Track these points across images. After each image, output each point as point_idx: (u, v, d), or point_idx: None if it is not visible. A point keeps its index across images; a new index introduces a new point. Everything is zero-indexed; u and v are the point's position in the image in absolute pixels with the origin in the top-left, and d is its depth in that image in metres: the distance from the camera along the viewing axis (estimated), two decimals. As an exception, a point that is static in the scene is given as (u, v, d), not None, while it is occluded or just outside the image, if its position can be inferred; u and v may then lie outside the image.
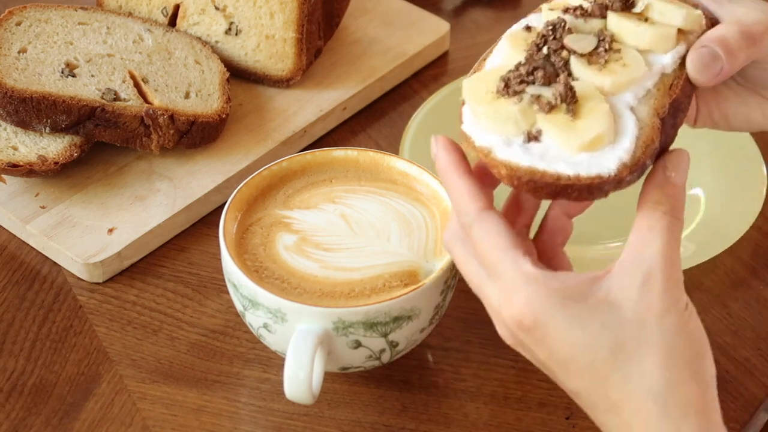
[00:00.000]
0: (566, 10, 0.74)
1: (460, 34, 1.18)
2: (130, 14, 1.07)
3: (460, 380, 0.87)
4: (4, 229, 0.97)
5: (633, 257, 0.68)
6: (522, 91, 0.70)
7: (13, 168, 0.95)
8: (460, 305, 0.89)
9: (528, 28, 0.75)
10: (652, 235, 0.68)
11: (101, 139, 0.98)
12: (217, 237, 0.84)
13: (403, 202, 0.87)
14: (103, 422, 0.84)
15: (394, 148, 1.03)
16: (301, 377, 0.77)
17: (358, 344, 0.80)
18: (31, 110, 0.95)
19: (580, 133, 0.68)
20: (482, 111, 0.70)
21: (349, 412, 0.85)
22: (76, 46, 1.01)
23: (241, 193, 0.86)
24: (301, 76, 1.07)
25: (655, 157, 0.70)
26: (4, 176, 0.98)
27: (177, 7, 1.08)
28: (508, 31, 0.76)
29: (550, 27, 0.73)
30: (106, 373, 0.87)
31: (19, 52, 0.99)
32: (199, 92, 1.02)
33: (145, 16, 1.08)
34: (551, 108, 0.69)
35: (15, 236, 0.97)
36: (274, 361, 0.88)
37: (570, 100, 0.69)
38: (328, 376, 0.86)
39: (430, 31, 1.15)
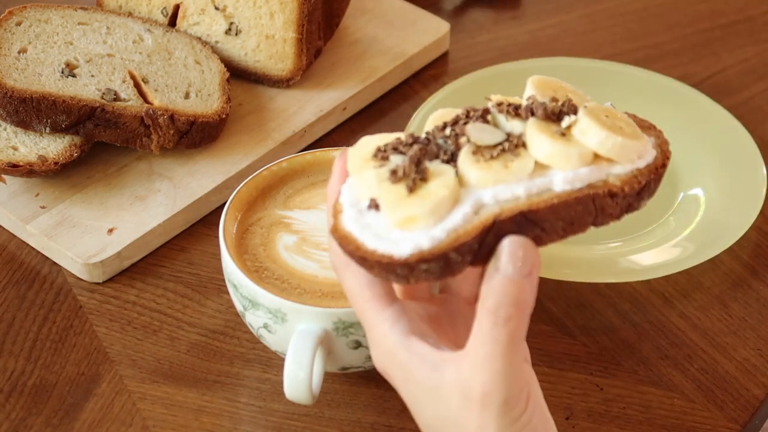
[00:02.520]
0: (502, 104, 0.71)
1: (460, 34, 1.18)
2: (130, 14, 1.07)
3: (460, 380, 0.87)
4: (4, 229, 0.97)
5: (466, 361, 0.66)
6: (387, 159, 0.69)
7: (13, 168, 0.95)
8: (460, 305, 0.89)
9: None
10: (477, 342, 0.65)
11: (101, 139, 0.98)
12: (217, 237, 0.84)
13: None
14: (103, 422, 0.84)
15: (394, 148, 1.03)
16: (301, 377, 0.77)
17: (358, 344, 0.80)
18: (31, 110, 0.95)
19: (400, 210, 0.66)
20: (352, 167, 0.70)
21: (349, 412, 0.85)
22: (76, 46, 1.01)
23: (241, 193, 0.86)
24: (301, 76, 1.07)
25: (471, 254, 0.66)
26: (4, 176, 0.98)
27: (177, 7, 1.08)
28: (445, 109, 0.74)
29: (467, 111, 0.71)
30: (106, 374, 0.87)
31: (19, 52, 0.99)
32: (199, 92, 1.02)
33: (145, 16, 1.08)
34: (396, 179, 0.67)
35: (15, 236, 0.97)
36: (274, 362, 0.88)
37: (414, 176, 0.67)
38: (328, 377, 0.86)
39: (430, 31, 1.15)
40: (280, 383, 0.80)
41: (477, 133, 0.69)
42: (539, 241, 0.67)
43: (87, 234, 0.95)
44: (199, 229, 0.99)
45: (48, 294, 0.93)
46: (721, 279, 0.95)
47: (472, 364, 0.65)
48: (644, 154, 0.70)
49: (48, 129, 0.96)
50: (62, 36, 1.02)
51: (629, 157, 0.69)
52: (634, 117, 0.73)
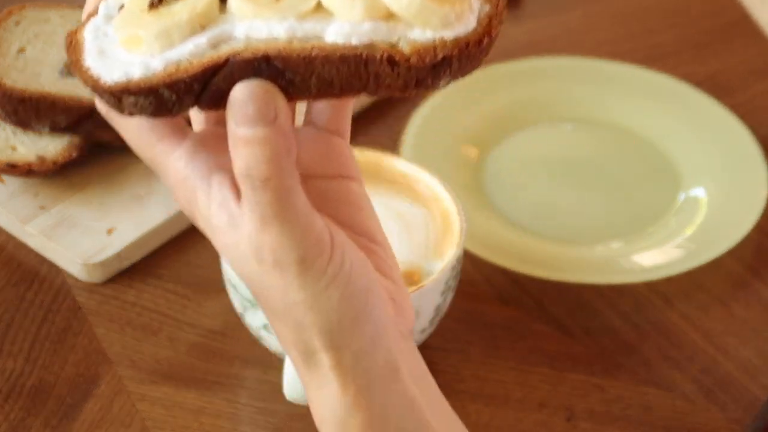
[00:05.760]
0: None
1: (460, 33, 1.18)
2: (129, 14, 1.07)
3: (460, 381, 0.87)
4: (3, 229, 0.97)
5: (248, 225, 0.57)
6: None
7: (12, 168, 0.94)
8: (460, 306, 0.89)
9: None
10: (247, 208, 0.56)
11: (101, 139, 0.98)
12: (217, 237, 0.84)
13: (403, 202, 0.86)
14: (102, 423, 0.84)
15: (394, 148, 1.02)
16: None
17: (358, 345, 0.80)
18: (30, 110, 0.95)
19: (128, 26, 0.57)
20: None
21: (349, 413, 0.85)
22: (75, 46, 1.01)
23: (240, 193, 0.86)
24: (301, 76, 1.07)
25: (191, 96, 0.56)
26: (3, 176, 0.97)
27: (176, 7, 1.07)
28: None
29: None
30: (105, 374, 0.87)
31: (18, 52, 0.99)
32: (198, 92, 1.02)
33: (145, 15, 1.08)
34: None
35: (14, 237, 0.97)
36: (274, 362, 0.88)
37: None
38: (328, 377, 0.86)
39: (431, 30, 1.14)
40: (280, 384, 0.80)
41: None
42: (287, 96, 0.56)
43: (86, 234, 0.94)
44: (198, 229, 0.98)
45: (47, 294, 0.93)
46: (722, 279, 0.95)
47: (253, 229, 0.56)
48: (454, 23, 0.57)
49: (47, 129, 0.96)
50: (61, 35, 1.01)
51: (430, 22, 0.56)
52: None
